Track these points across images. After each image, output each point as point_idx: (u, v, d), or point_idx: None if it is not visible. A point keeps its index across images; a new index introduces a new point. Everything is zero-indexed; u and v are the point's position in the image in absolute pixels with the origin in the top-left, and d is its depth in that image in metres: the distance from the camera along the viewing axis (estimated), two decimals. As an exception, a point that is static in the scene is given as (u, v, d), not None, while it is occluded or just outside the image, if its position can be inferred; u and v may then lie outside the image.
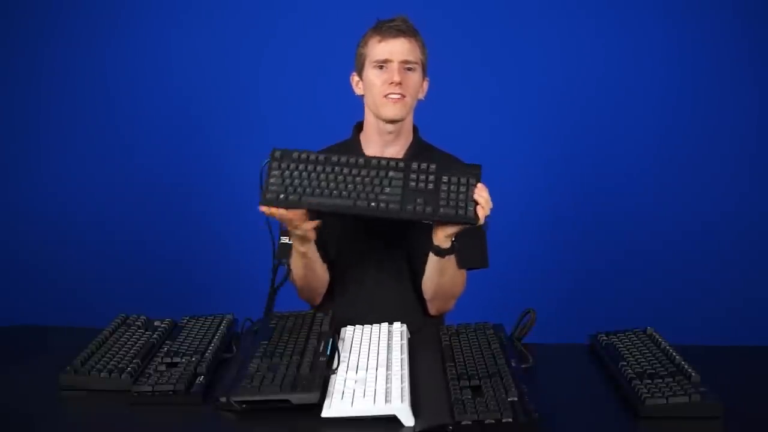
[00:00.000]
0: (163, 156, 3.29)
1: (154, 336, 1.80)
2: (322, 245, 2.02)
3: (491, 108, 3.25)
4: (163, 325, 1.88)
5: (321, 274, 2.03)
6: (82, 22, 3.26)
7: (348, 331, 1.82)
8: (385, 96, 2.01)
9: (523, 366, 1.65)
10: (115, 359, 1.67)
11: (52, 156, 3.29)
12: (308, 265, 1.98)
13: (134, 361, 1.67)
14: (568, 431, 1.48)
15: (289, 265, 2.03)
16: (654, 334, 1.80)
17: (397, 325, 1.84)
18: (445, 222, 1.82)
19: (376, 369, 1.59)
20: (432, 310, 2.10)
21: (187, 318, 1.92)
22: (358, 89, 2.10)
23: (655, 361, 1.64)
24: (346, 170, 1.81)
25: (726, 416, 1.47)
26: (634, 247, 3.27)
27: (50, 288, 3.26)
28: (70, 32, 3.25)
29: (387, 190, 1.80)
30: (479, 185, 1.82)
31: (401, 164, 1.83)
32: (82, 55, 3.26)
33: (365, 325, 1.83)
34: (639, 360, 1.66)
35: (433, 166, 1.83)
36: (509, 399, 1.44)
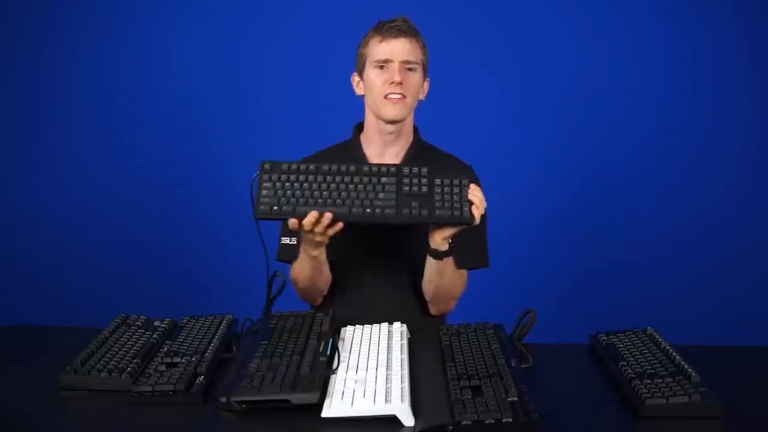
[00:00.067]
0: (163, 156, 3.29)
1: (154, 336, 1.80)
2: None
3: (491, 108, 3.25)
4: (163, 325, 1.88)
5: (326, 274, 2.04)
6: (82, 22, 3.26)
7: (348, 331, 1.82)
8: (386, 96, 2.01)
9: (523, 366, 1.65)
10: (115, 359, 1.67)
11: (53, 156, 3.29)
12: (317, 267, 1.98)
13: (134, 361, 1.67)
14: (568, 431, 1.47)
15: (290, 268, 2.04)
16: (654, 334, 1.80)
17: (397, 325, 1.84)
18: (442, 224, 1.83)
19: (376, 369, 1.59)
20: (433, 311, 2.11)
21: (187, 318, 1.92)
22: (359, 89, 2.10)
23: (655, 361, 1.64)
24: (338, 178, 1.80)
25: (726, 416, 1.47)
26: (634, 247, 3.27)
27: (50, 288, 3.26)
28: (70, 32, 3.26)
29: (381, 195, 1.80)
30: (472, 185, 1.82)
31: (393, 169, 1.83)
32: (82, 55, 3.26)
33: (365, 325, 1.83)
34: (639, 360, 1.66)
35: (425, 170, 1.83)
36: (509, 399, 1.44)
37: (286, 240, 2.08)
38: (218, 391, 1.54)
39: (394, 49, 2.01)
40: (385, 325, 1.83)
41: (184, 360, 1.65)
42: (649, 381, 1.54)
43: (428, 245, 1.90)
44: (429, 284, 2.02)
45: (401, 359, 1.64)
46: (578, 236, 3.29)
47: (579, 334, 1.93)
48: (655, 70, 3.20)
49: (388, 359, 1.64)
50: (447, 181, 1.81)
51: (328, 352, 1.65)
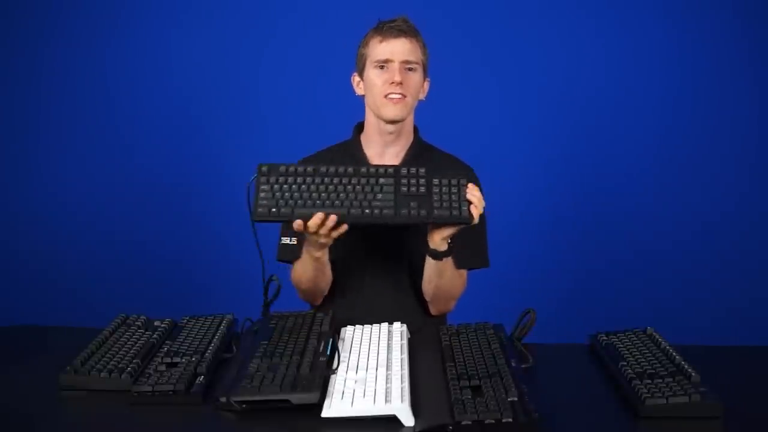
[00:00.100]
0: (163, 156, 3.29)
1: (154, 336, 1.80)
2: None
3: (491, 108, 3.25)
4: (163, 325, 1.88)
5: (328, 274, 2.03)
6: (82, 23, 3.26)
7: (348, 331, 1.82)
8: (386, 96, 2.00)
9: (523, 366, 1.65)
10: (115, 359, 1.67)
11: (52, 156, 3.29)
12: (319, 268, 1.98)
13: (134, 361, 1.67)
14: (568, 431, 1.47)
15: (290, 269, 2.04)
16: (654, 334, 1.80)
17: (397, 325, 1.84)
18: (441, 224, 1.83)
19: (376, 369, 1.59)
20: (433, 311, 2.11)
21: (187, 318, 1.92)
22: (359, 89, 2.10)
23: (655, 361, 1.64)
24: (336, 180, 1.80)
25: (726, 416, 1.47)
26: (634, 247, 3.27)
27: (50, 288, 3.26)
28: (70, 32, 3.26)
29: (379, 196, 1.80)
30: (470, 185, 1.82)
31: (391, 170, 1.83)
32: (82, 55, 3.26)
33: (365, 325, 1.83)
34: (639, 360, 1.66)
35: (422, 170, 1.83)
36: (509, 399, 1.44)
37: (286, 240, 2.08)
38: (218, 391, 1.54)
39: (395, 49, 2.01)
40: (385, 325, 1.83)
41: (184, 360, 1.65)
42: (649, 381, 1.54)
43: (427, 245, 1.90)
44: (428, 284, 2.02)
45: (401, 359, 1.64)
46: (578, 236, 3.29)
47: (579, 334, 1.93)
48: (655, 70, 3.20)
49: (388, 359, 1.64)
50: (445, 181, 1.81)
51: (328, 352, 1.65)
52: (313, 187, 1.79)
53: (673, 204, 3.24)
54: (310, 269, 1.98)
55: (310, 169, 1.82)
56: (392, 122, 2.04)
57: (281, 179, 1.80)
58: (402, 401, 1.46)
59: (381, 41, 2.02)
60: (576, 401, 1.60)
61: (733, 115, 3.20)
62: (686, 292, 3.22)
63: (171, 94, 3.27)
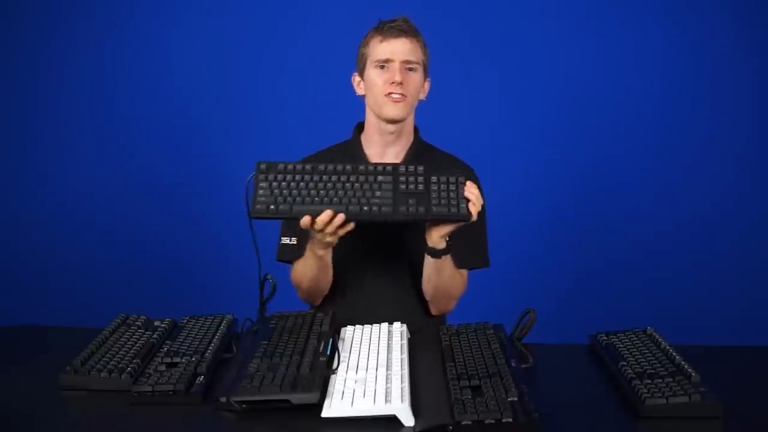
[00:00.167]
0: (163, 156, 3.29)
1: (154, 336, 1.80)
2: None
3: (491, 108, 3.25)
4: (163, 325, 1.88)
5: (330, 273, 2.03)
6: (82, 22, 3.26)
7: (348, 331, 1.82)
8: (387, 96, 2.00)
9: (523, 366, 1.65)
10: (115, 359, 1.67)
11: (52, 156, 3.29)
12: (322, 267, 1.98)
13: (134, 361, 1.67)
14: (568, 431, 1.47)
15: (291, 269, 2.03)
16: (654, 334, 1.80)
17: (397, 325, 1.84)
18: (439, 221, 1.83)
19: (376, 369, 1.59)
20: (433, 310, 2.11)
21: (187, 318, 1.92)
22: (360, 89, 2.10)
23: (655, 361, 1.64)
24: (334, 177, 1.80)
25: (726, 416, 1.47)
26: (634, 247, 3.27)
27: (50, 288, 3.26)
28: (69, 32, 3.25)
29: (378, 193, 1.80)
30: (468, 182, 1.82)
31: (389, 168, 1.83)
32: (81, 55, 3.26)
33: (365, 325, 1.83)
34: (639, 360, 1.66)
35: (420, 168, 1.83)
36: (509, 399, 1.44)
37: (286, 240, 2.08)
38: (218, 391, 1.54)
39: (395, 48, 2.01)
40: (385, 325, 1.83)
41: (184, 360, 1.65)
42: (649, 381, 1.54)
43: (426, 244, 1.90)
44: (428, 283, 2.02)
45: (401, 359, 1.64)
46: (578, 236, 3.29)
47: (579, 334, 1.93)
48: (655, 70, 3.20)
49: (388, 359, 1.64)
50: (443, 179, 1.82)
51: (328, 352, 1.65)
52: (311, 184, 1.80)
53: (673, 204, 3.24)
54: (314, 268, 1.98)
55: (308, 166, 1.82)
56: (392, 122, 2.04)
57: (280, 177, 1.81)
58: (402, 401, 1.46)
59: (381, 41, 2.02)
60: (576, 401, 1.60)
61: (733, 115, 3.20)
62: (686, 292, 3.22)
63: (171, 94, 3.27)
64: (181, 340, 1.76)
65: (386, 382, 1.53)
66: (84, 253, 3.31)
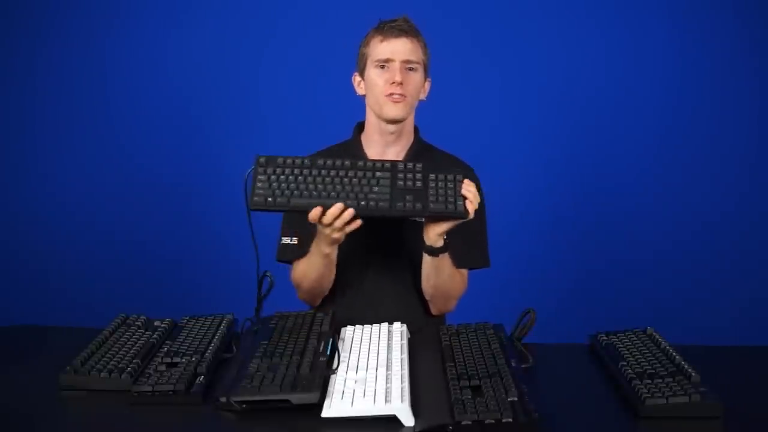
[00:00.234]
0: (163, 156, 3.29)
1: (154, 336, 1.80)
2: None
3: (491, 108, 3.25)
4: (163, 325, 1.88)
5: (333, 272, 2.03)
6: (81, 22, 3.26)
7: (348, 331, 1.82)
8: (387, 96, 2.00)
9: (523, 366, 1.65)
10: (115, 359, 1.67)
11: (52, 156, 3.29)
12: (327, 266, 1.98)
13: (134, 361, 1.67)
14: (568, 431, 1.47)
15: (291, 269, 2.03)
16: (654, 334, 1.80)
17: (397, 325, 1.84)
18: (436, 219, 1.83)
19: (376, 369, 1.59)
20: (433, 310, 2.10)
21: (187, 318, 1.92)
22: (360, 89, 2.10)
23: (655, 361, 1.64)
24: (333, 172, 1.81)
25: (726, 416, 1.47)
26: (634, 247, 3.27)
27: (50, 288, 3.26)
28: (68, 32, 3.25)
29: (375, 189, 1.80)
30: (466, 180, 1.82)
31: (387, 164, 1.83)
32: (81, 54, 3.26)
33: (365, 325, 1.83)
34: (639, 360, 1.66)
35: (419, 165, 1.84)
36: (509, 399, 1.44)
37: (287, 240, 2.08)
38: (218, 391, 1.54)
39: (395, 48, 2.01)
40: (385, 325, 1.83)
41: (184, 360, 1.65)
42: (649, 381, 1.54)
43: (424, 242, 1.90)
44: (427, 282, 2.02)
45: (401, 359, 1.64)
46: (578, 236, 3.29)
47: (579, 334, 1.93)
48: (655, 70, 3.20)
49: (388, 359, 1.64)
50: (441, 176, 1.82)
51: (328, 352, 1.65)
52: (309, 178, 1.80)
53: (673, 204, 3.24)
54: (319, 267, 1.97)
55: (307, 160, 1.83)
56: (393, 122, 2.04)
57: (278, 170, 1.81)
58: (402, 401, 1.46)
59: (382, 41, 2.02)
60: (576, 401, 1.60)
61: (734, 115, 3.20)
62: (686, 292, 3.22)
63: (171, 94, 3.27)
64: (181, 340, 1.76)
65: (386, 382, 1.53)
66: (84, 253, 3.30)
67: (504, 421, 1.38)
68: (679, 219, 3.24)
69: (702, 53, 3.18)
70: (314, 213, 1.77)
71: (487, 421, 1.38)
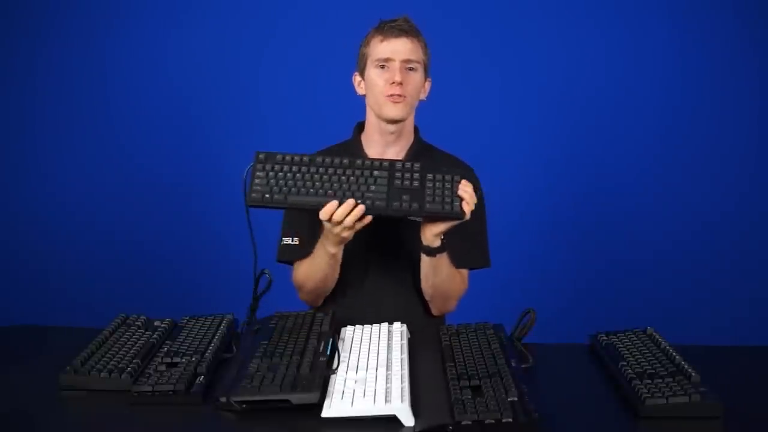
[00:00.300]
0: (163, 156, 3.29)
1: (154, 336, 1.80)
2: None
3: (491, 108, 3.25)
4: (163, 325, 1.88)
5: (338, 272, 2.03)
6: (81, 22, 3.26)
7: (348, 331, 1.82)
8: (387, 96, 2.00)
9: (523, 366, 1.65)
10: (115, 359, 1.67)
11: (52, 156, 3.29)
12: (333, 266, 1.98)
13: (134, 361, 1.66)
14: (568, 431, 1.47)
15: (292, 270, 2.03)
16: (654, 334, 1.80)
17: (397, 325, 1.84)
18: (433, 219, 1.83)
19: (376, 369, 1.59)
20: (434, 310, 2.10)
21: (187, 318, 1.92)
22: (360, 89, 2.10)
23: (655, 361, 1.64)
24: (330, 170, 1.81)
25: (726, 416, 1.47)
26: (634, 247, 3.27)
27: (50, 288, 3.26)
28: (68, 32, 3.25)
29: (372, 188, 1.80)
30: (463, 181, 1.82)
31: (385, 164, 1.83)
32: (81, 54, 3.26)
33: (365, 325, 1.83)
34: (639, 360, 1.66)
35: (417, 165, 1.84)
36: (509, 399, 1.44)
37: (287, 240, 2.08)
38: (218, 391, 1.54)
39: (396, 48, 2.01)
40: (385, 325, 1.83)
41: (184, 360, 1.65)
42: (649, 381, 1.54)
43: (421, 242, 1.90)
44: (426, 282, 2.02)
45: (401, 359, 1.64)
46: (578, 236, 3.29)
47: (579, 334, 1.93)
48: (655, 70, 3.20)
49: (388, 359, 1.64)
50: (439, 176, 1.82)
51: (328, 352, 1.65)
52: (307, 176, 1.80)
53: (673, 204, 3.24)
54: (324, 268, 1.97)
55: (306, 158, 1.83)
56: (393, 122, 2.04)
57: (277, 167, 1.81)
58: (402, 401, 1.46)
59: (382, 41, 2.02)
60: (576, 401, 1.60)
61: (734, 115, 3.20)
62: (686, 292, 3.22)
63: (171, 94, 3.27)
64: (181, 340, 1.76)
65: (386, 382, 1.53)
66: (84, 253, 3.31)
67: (504, 421, 1.38)
68: (679, 219, 3.24)
69: (702, 53, 3.18)
70: (328, 209, 1.77)
71: (487, 421, 1.38)
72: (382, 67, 2.01)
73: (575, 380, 1.72)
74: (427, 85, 2.09)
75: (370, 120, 2.09)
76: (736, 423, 1.47)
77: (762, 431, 1.50)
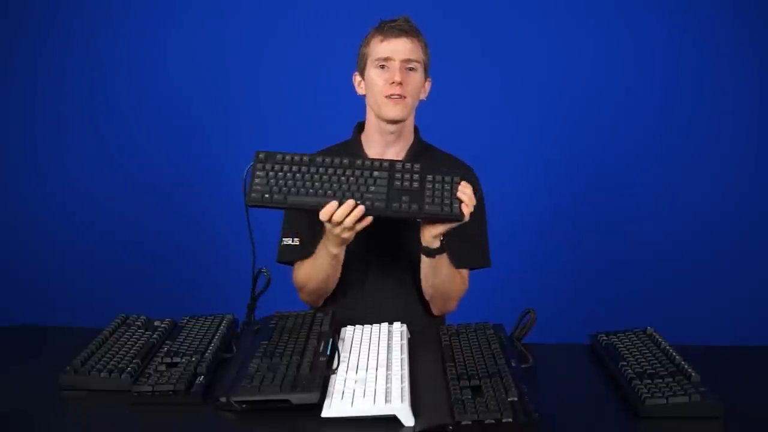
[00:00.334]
0: (163, 156, 3.29)
1: (154, 336, 1.80)
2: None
3: (492, 108, 3.25)
4: (163, 325, 1.88)
5: (339, 273, 2.03)
6: (81, 22, 3.26)
7: (348, 331, 1.82)
8: (387, 96, 2.00)
9: (523, 366, 1.65)
10: (115, 359, 1.67)
11: (52, 156, 3.29)
12: (335, 266, 1.98)
13: (134, 361, 1.66)
14: (568, 431, 1.47)
15: (293, 270, 2.03)
16: (654, 334, 1.80)
17: (397, 325, 1.84)
18: (432, 221, 1.83)
19: (376, 369, 1.59)
20: (434, 310, 2.11)
21: (187, 318, 1.92)
22: (360, 89, 2.10)
23: (655, 361, 1.64)
24: (330, 170, 1.81)
25: (726, 416, 1.47)
26: (634, 247, 3.27)
27: (50, 288, 3.26)
28: (68, 32, 3.25)
29: (372, 188, 1.80)
30: (463, 182, 1.82)
31: (386, 164, 1.83)
32: (81, 54, 3.26)
33: (365, 325, 1.83)
34: (639, 360, 1.66)
35: (417, 166, 1.84)
36: (509, 399, 1.44)
37: (288, 240, 2.08)
38: (218, 391, 1.54)
39: (396, 48, 2.01)
40: (385, 325, 1.83)
41: (184, 360, 1.65)
42: (649, 381, 1.54)
43: (420, 243, 1.90)
44: (426, 283, 2.02)
45: (401, 359, 1.64)
46: (578, 236, 3.29)
47: (579, 334, 1.93)
48: (655, 70, 3.20)
49: (388, 359, 1.64)
50: (438, 178, 1.82)
51: (328, 352, 1.65)
52: (307, 176, 1.80)
53: (673, 204, 3.24)
54: (326, 268, 1.97)
55: (306, 158, 1.83)
56: (393, 122, 2.04)
57: (277, 167, 1.81)
58: (402, 401, 1.46)
59: (382, 40, 2.02)
60: (576, 401, 1.60)
61: (734, 115, 3.20)
62: (686, 292, 3.22)
63: (171, 94, 3.27)
64: (181, 340, 1.76)
65: (386, 382, 1.53)
66: (84, 253, 3.31)
67: (504, 421, 1.38)
68: (679, 219, 3.24)
69: (702, 53, 3.18)
70: (328, 210, 1.77)
71: (487, 421, 1.38)
72: (382, 67, 2.01)
73: (575, 380, 1.72)
74: (427, 85, 2.09)
75: (370, 120, 2.09)
76: (736, 423, 1.47)
77: (762, 431, 1.50)
